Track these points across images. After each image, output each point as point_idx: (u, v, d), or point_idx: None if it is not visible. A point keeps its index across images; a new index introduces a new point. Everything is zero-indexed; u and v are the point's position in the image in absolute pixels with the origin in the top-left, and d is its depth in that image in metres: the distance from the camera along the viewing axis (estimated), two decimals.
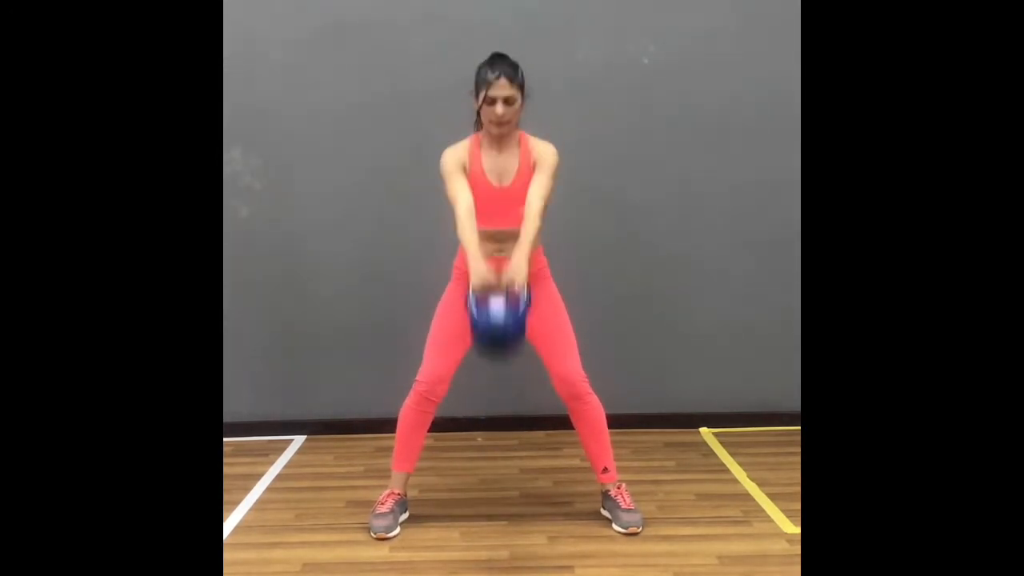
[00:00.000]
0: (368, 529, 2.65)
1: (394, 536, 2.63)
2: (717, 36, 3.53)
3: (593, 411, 2.68)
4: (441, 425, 3.34)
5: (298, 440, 3.63)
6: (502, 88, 2.52)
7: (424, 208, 3.54)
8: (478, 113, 2.60)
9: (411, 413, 2.68)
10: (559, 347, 2.65)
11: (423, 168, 3.56)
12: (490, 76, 2.52)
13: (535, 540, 2.59)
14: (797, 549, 2.42)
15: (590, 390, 2.66)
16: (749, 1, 3.53)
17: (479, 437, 3.62)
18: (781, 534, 2.61)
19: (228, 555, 2.38)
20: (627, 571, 2.40)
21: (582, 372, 2.65)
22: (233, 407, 3.42)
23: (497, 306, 2.33)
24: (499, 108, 2.52)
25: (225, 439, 3.35)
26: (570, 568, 2.41)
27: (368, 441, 3.51)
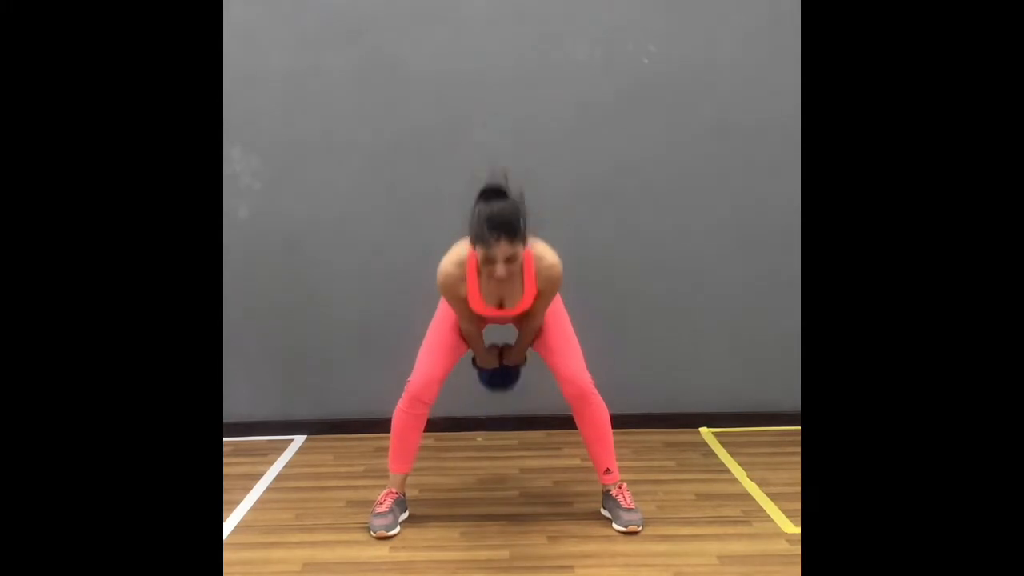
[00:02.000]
0: (368, 529, 2.65)
1: (394, 535, 2.63)
2: (717, 36, 3.53)
3: (598, 412, 2.67)
4: (441, 425, 3.35)
5: (298, 440, 3.63)
6: (503, 250, 2.32)
7: (424, 208, 3.55)
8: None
9: (403, 415, 2.68)
10: (562, 349, 2.65)
11: (424, 168, 3.58)
12: (488, 238, 2.31)
13: (535, 540, 2.59)
14: (797, 549, 2.42)
15: (595, 391, 2.65)
16: (750, 1, 3.53)
17: (479, 437, 3.62)
18: (781, 534, 2.61)
19: (228, 555, 2.38)
20: (627, 571, 2.40)
21: (587, 373, 2.65)
22: (233, 407, 3.43)
23: (497, 374, 2.80)
24: (500, 269, 2.34)
25: (225, 439, 3.35)
26: (570, 568, 2.41)
27: (368, 441, 3.51)
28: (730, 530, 2.65)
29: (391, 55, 3.52)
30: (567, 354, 2.65)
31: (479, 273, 2.46)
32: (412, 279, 3.35)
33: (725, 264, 3.64)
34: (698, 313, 3.66)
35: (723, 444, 3.47)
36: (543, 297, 2.55)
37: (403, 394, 2.68)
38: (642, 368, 3.65)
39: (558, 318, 2.68)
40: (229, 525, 2.75)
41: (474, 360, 2.79)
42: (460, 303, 2.55)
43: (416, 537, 2.63)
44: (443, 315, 2.69)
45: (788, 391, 3.16)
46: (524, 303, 2.53)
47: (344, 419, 3.67)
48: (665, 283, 3.64)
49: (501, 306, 2.55)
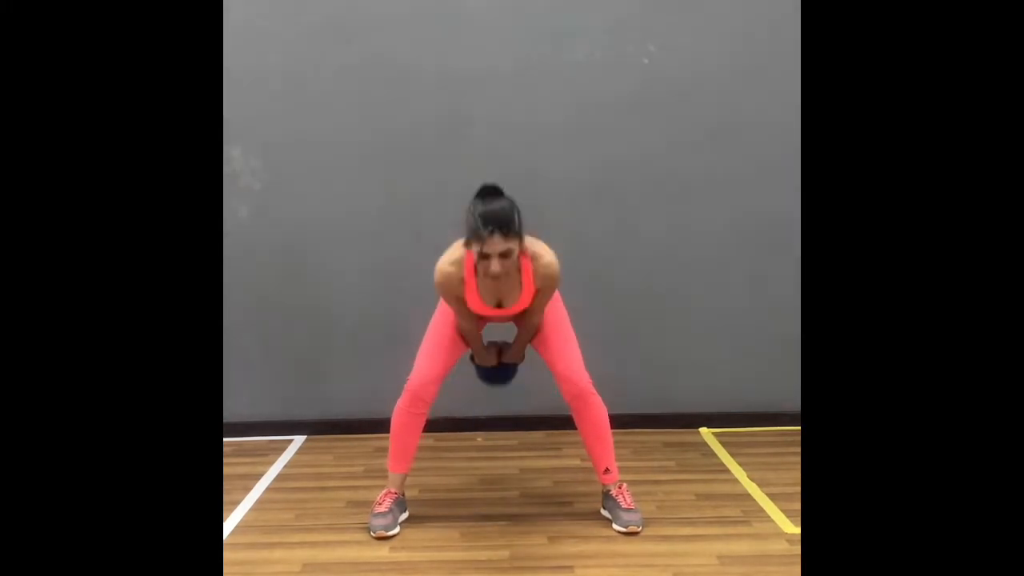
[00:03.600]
0: (368, 529, 2.65)
1: (394, 535, 2.63)
2: (717, 36, 3.53)
3: (597, 412, 2.67)
4: (441, 425, 3.35)
5: (298, 440, 3.63)
6: (496, 245, 2.32)
7: (424, 207, 3.55)
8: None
9: (402, 414, 2.68)
10: (561, 348, 2.66)
11: (424, 168, 3.58)
12: (482, 232, 2.31)
13: (535, 540, 2.59)
14: (797, 549, 2.42)
15: (594, 391, 2.66)
16: (750, 1, 3.53)
17: (479, 437, 3.62)
18: (781, 534, 2.61)
19: (228, 555, 2.38)
20: (627, 571, 2.40)
21: (586, 373, 2.65)
22: (233, 407, 3.43)
23: (495, 371, 2.80)
24: (495, 265, 2.35)
25: (225, 439, 3.35)
26: (570, 568, 2.41)
27: (368, 441, 3.51)
28: (730, 530, 2.65)
29: (391, 55, 3.51)
30: (566, 354, 2.65)
31: (476, 273, 2.46)
32: (412, 279, 3.35)
33: (725, 264, 3.64)
34: (698, 313, 3.66)
35: (723, 444, 3.47)
36: (541, 296, 2.55)
37: (403, 393, 2.68)
38: (642, 368, 3.65)
39: (557, 318, 2.68)
40: (229, 525, 2.75)
41: (472, 357, 2.80)
42: (458, 303, 2.55)
43: (416, 537, 2.63)
44: (442, 314, 2.69)
45: (788, 391, 3.15)
46: (522, 302, 2.53)
47: (344, 419, 3.67)
48: (665, 283, 3.64)
49: (499, 305, 2.55)
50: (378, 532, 2.62)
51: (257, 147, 3.55)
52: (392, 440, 2.73)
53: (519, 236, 2.38)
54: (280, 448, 3.53)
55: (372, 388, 3.46)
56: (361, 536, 2.64)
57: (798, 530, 2.56)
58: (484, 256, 2.35)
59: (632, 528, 2.61)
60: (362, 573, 2.43)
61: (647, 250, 3.62)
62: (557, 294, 2.67)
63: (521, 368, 2.82)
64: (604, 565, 2.43)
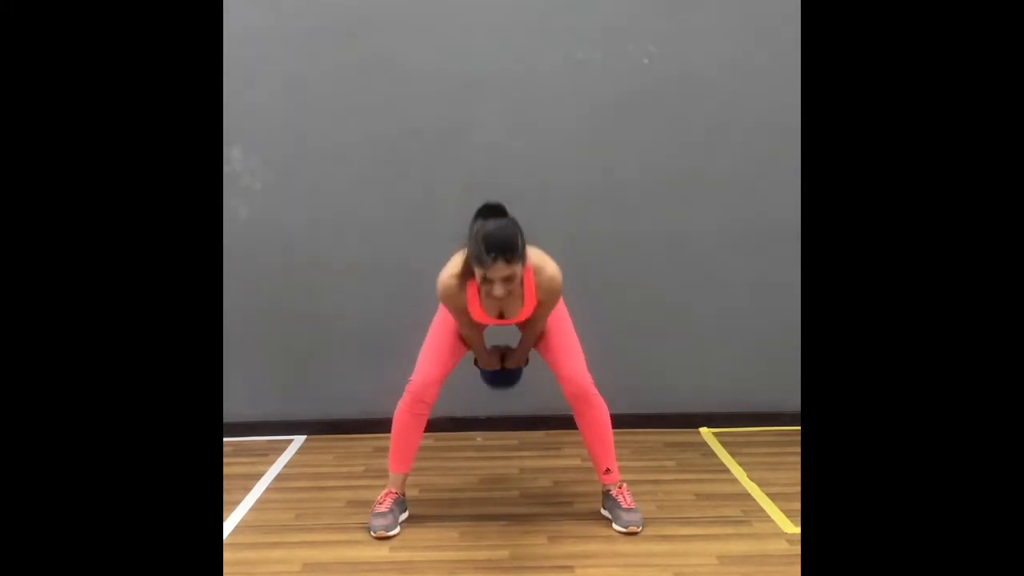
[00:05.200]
0: (368, 529, 2.65)
1: (394, 535, 2.63)
2: (717, 36, 3.53)
3: (599, 413, 2.67)
4: (441, 425, 3.35)
5: (298, 440, 3.63)
6: (500, 271, 2.30)
7: (424, 207, 3.55)
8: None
9: (404, 415, 2.68)
10: (563, 349, 2.66)
11: (424, 168, 3.58)
12: (486, 258, 2.29)
13: (535, 540, 2.59)
14: (797, 549, 2.42)
15: (596, 392, 2.65)
16: (750, 1, 3.53)
17: (479, 437, 3.62)
18: (781, 534, 2.61)
19: (228, 555, 2.38)
20: (627, 571, 2.40)
21: (587, 374, 2.65)
22: (233, 407, 3.43)
23: (499, 375, 2.80)
24: (498, 289, 2.34)
25: (225, 439, 3.35)
26: (570, 568, 2.41)
27: (368, 441, 3.51)
28: (730, 530, 2.65)
29: (391, 55, 3.51)
30: (568, 354, 2.65)
31: (479, 285, 2.46)
32: (412, 279, 3.35)
33: (725, 264, 3.64)
34: (698, 313, 3.66)
35: (723, 444, 3.47)
36: (544, 307, 2.55)
37: (404, 394, 2.68)
38: (642, 368, 3.65)
39: (559, 318, 2.68)
40: (229, 525, 2.75)
41: (476, 360, 2.80)
42: (461, 313, 2.56)
43: (416, 537, 2.63)
44: (444, 316, 2.69)
45: (788, 391, 3.15)
46: (524, 314, 2.53)
47: (344, 419, 3.67)
48: (665, 283, 3.64)
49: (501, 316, 2.55)
50: (378, 532, 2.62)
51: (257, 147, 3.55)
52: (393, 440, 2.73)
53: (523, 259, 2.37)
54: (280, 448, 3.53)
55: (372, 388, 3.46)
56: (361, 536, 2.64)
57: (798, 530, 2.56)
58: (487, 281, 2.35)
59: (632, 528, 2.61)
60: (362, 573, 2.43)
61: (647, 250, 3.62)
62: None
63: (523, 374, 2.83)
64: (604, 565, 2.43)
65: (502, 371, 2.79)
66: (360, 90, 3.53)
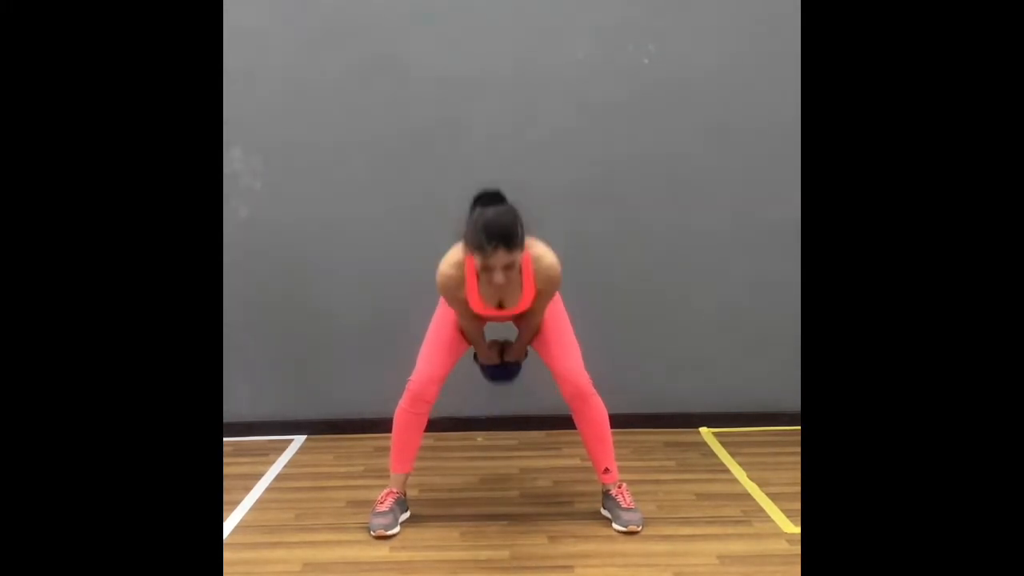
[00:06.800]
0: (368, 529, 2.65)
1: (394, 534, 2.63)
2: (717, 36, 3.53)
3: (597, 412, 2.67)
4: (441, 425, 3.35)
5: (298, 440, 3.63)
6: (500, 259, 2.31)
7: (424, 207, 3.55)
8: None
9: (404, 414, 2.68)
10: (560, 348, 2.66)
11: (424, 168, 3.58)
12: (486, 246, 2.29)
13: (535, 540, 2.59)
14: (797, 549, 2.42)
15: (594, 391, 2.65)
16: (750, 1, 3.53)
17: (479, 437, 3.62)
18: (781, 534, 2.61)
19: (228, 555, 2.38)
20: (627, 571, 2.40)
21: (585, 373, 2.65)
22: (233, 407, 3.43)
23: (499, 369, 2.81)
24: (498, 277, 2.34)
25: (225, 439, 3.35)
26: (570, 568, 2.41)
27: (368, 441, 3.51)
28: (730, 530, 2.65)
29: (391, 55, 3.52)
30: (566, 354, 2.65)
31: (477, 275, 2.46)
32: (412, 278, 3.35)
33: (725, 264, 3.64)
34: (698, 313, 3.66)
35: (723, 444, 3.47)
36: (542, 297, 2.55)
37: (404, 393, 2.68)
38: (642, 368, 3.65)
39: (557, 318, 2.68)
40: (229, 525, 2.75)
41: (475, 356, 2.80)
42: (460, 304, 2.55)
43: (416, 537, 2.63)
44: (443, 314, 2.69)
45: (788, 391, 3.16)
46: (523, 303, 2.53)
47: (344, 419, 3.67)
48: (665, 283, 3.64)
49: (501, 306, 2.55)
50: (378, 531, 2.62)
51: (257, 147, 3.55)
52: (394, 440, 2.73)
53: (522, 246, 2.37)
54: (280, 448, 3.53)
55: (372, 388, 3.47)
56: (361, 536, 2.64)
57: (798, 530, 2.56)
58: (487, 268, 2.35)
59: (632, 528, 2.61)
60: (362, 573, 2.43)
61: (647, 250, 3.62)
62: (557, 294, 2.67)
63: (521, 368, 2.83)
64: (604, 565, 2.43)
65: (502, 365, 2.79)
66: (360, 90, 3.54)
